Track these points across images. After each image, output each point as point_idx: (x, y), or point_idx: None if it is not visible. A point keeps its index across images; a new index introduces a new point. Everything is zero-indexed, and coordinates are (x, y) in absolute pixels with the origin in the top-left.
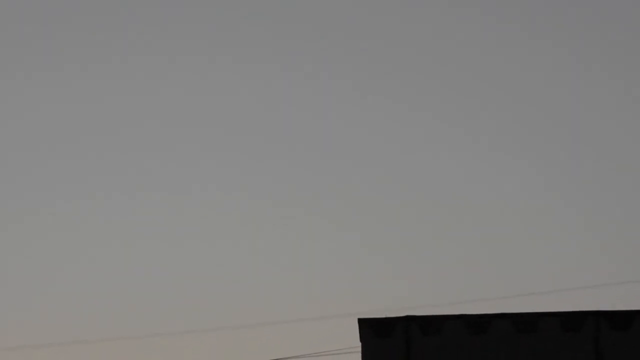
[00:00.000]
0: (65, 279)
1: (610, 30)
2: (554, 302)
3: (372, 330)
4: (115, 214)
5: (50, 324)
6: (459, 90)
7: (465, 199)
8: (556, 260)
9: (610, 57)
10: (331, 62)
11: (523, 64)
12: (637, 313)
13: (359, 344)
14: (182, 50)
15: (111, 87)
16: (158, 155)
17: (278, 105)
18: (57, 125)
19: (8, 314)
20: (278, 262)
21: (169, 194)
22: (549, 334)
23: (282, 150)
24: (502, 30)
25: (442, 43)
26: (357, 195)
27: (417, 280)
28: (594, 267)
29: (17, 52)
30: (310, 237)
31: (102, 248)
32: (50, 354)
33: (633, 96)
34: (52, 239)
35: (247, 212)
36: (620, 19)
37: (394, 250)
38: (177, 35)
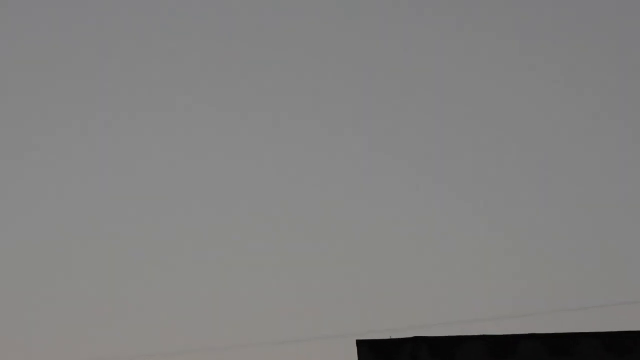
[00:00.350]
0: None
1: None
2: (592, 321)
3: (373, 354)
4: (123, 236)
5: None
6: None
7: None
8: (591, 274)
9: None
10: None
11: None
12: None
13: None
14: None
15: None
16: (158, 160)
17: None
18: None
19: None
20: (272, 278)
21: (169, 212)
22: (590, 357)
23: (283, 165)
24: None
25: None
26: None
27: (426, 294)
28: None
29: None
30: (306, 248)
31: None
32: None
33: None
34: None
35: (242, 230)
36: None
37: (398, 260)
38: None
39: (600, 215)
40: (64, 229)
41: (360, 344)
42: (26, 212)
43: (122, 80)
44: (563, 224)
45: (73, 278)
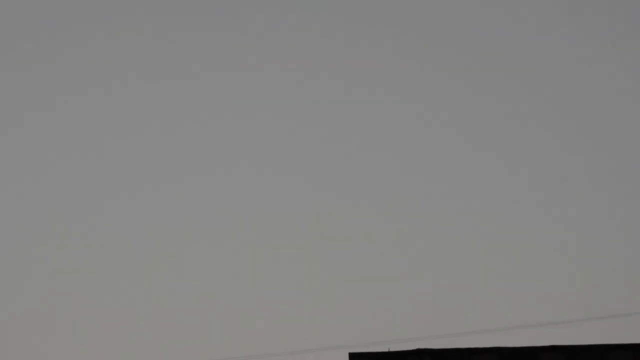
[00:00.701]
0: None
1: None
2: (622, 331)
3: None
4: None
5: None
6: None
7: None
8: (620, 279)
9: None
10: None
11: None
12: None
13: None
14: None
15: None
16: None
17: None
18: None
19: None
20: (266, 290)
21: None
22: None
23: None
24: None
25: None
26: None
27: (429, 302)
28: None
29: None
30: (299, 251)
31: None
32: None
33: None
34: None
35: (236, 239)
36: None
37: (397, 265)
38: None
39: (627, 219)
40: (64, 228)
41: (354, 357)
42: (24, 212)
43: (121, 78)
44: (585, 226)
45: (72, 281)
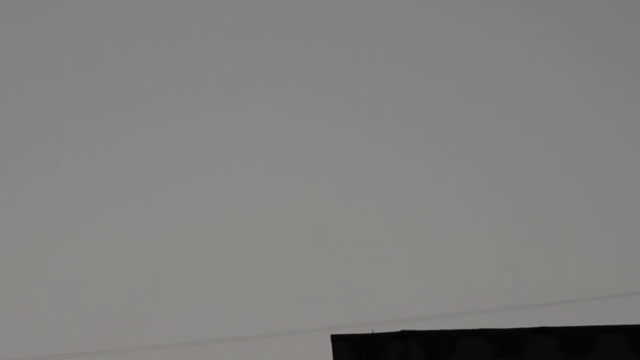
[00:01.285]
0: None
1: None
2: (612, 313)
3: (352, 351)
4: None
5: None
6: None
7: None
8: (612, 263)
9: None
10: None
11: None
12: None
13: None
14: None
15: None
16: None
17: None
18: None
19: None
20: (248, 272)
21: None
22: (612, 354)
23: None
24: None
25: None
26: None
27: (415, 282)
28: None
29: None
30: (278, 234)
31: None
32: None
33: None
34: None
35: (219, 224)
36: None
37: (381, 245)
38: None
39: (606, 205)
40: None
41: (336, 339)
42: (27, 215)
43: (121, 83)
44: (570, 211)
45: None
